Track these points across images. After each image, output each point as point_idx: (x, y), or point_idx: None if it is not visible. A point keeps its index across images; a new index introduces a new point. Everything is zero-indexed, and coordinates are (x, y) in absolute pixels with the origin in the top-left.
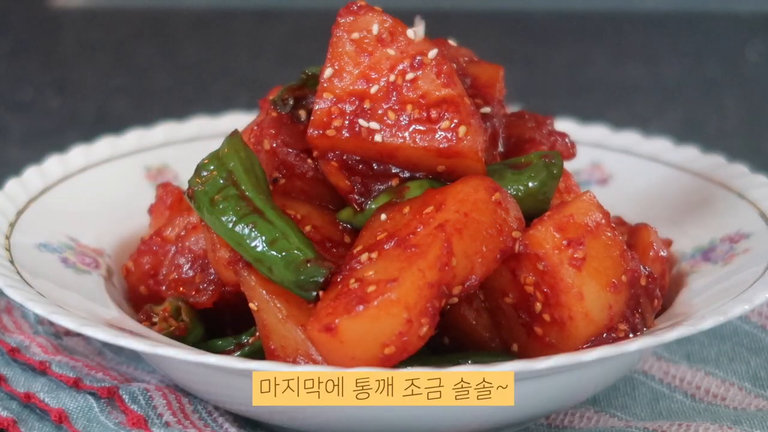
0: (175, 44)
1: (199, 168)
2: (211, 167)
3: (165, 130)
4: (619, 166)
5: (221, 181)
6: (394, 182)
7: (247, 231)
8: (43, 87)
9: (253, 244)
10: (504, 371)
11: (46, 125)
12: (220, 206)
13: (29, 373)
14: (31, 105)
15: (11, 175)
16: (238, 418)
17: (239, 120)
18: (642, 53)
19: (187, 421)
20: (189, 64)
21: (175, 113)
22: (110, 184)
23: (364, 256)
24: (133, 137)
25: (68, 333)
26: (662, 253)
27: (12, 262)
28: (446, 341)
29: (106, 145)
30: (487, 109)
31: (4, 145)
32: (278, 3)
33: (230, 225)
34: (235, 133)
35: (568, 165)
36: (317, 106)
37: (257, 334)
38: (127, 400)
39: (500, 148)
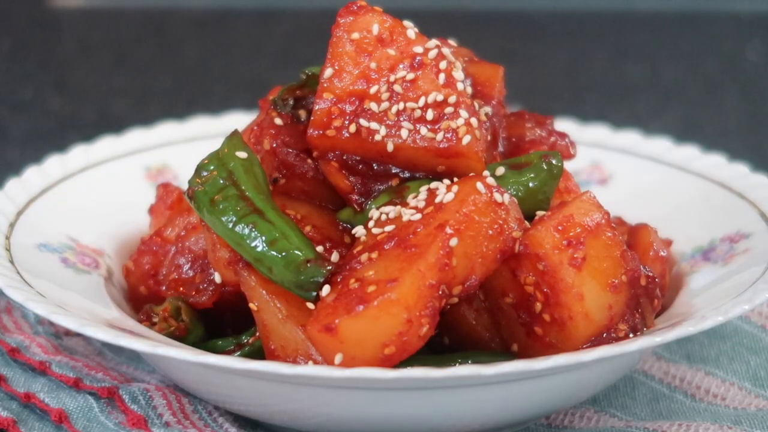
0: (175, 44)
1: (199, 168)
2: (211, 167)
3: (165, 130)
4: (619, 166)
5: (221, 181)
6: (394, 182)
7: (247, 231)
8: (43, 87)
9: (253, 244)
10: (504, 371)
11: (46, 125)
12: (220, 206)
13: (29, 373)
14: (31, 105)
15: (11, 175)
16: (238, 418)
17: (239, 120)
18: (642, 53)
19: (187, 421)
20: (189, 64)
21: (175, 113)
22: (110, 184)
23: (364, 256)
24: (133, 137)
25: (68, 333)
26: (662, 253)
27: (12, 262)
28: (446, 341)
29: (106, 145)
30: (487, 109)
31: (4, 145)
32: (278, 3)
33: (230, 225)
34: (235, 133)
35: (568, 165)
36: (317, 106)
37: (257, 334)
38: (127, 400)
39: (500, 148)
